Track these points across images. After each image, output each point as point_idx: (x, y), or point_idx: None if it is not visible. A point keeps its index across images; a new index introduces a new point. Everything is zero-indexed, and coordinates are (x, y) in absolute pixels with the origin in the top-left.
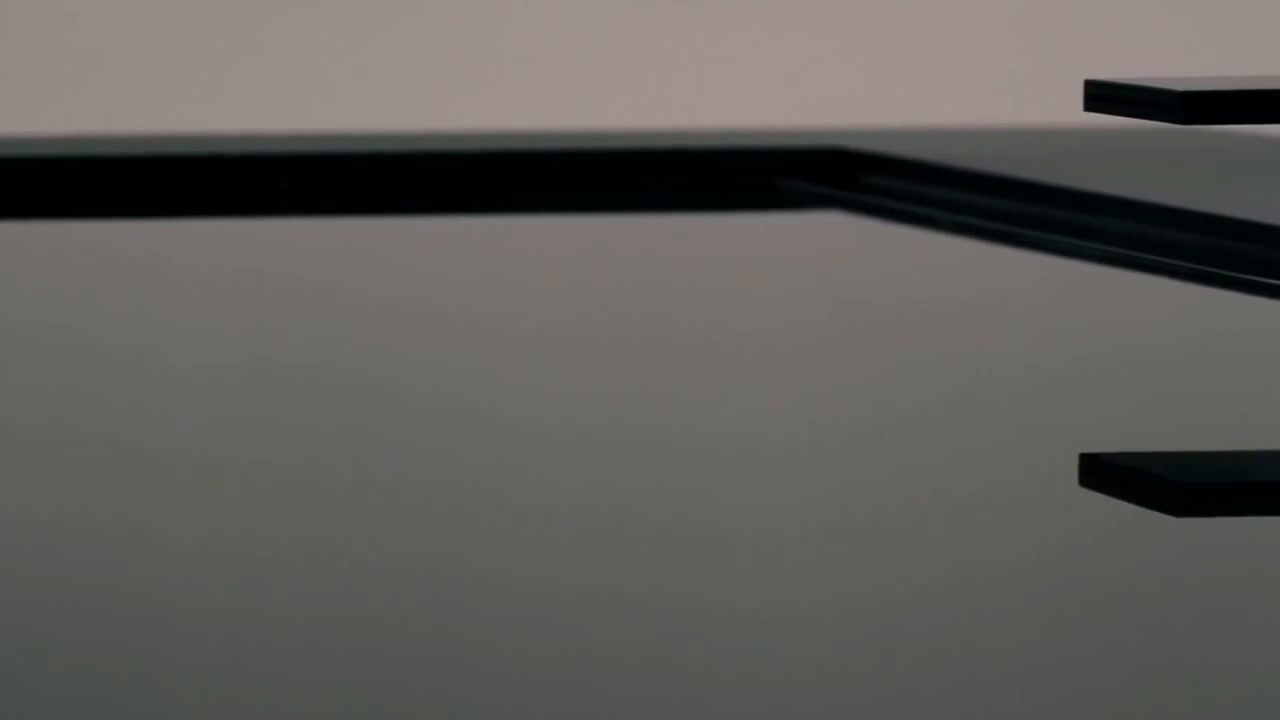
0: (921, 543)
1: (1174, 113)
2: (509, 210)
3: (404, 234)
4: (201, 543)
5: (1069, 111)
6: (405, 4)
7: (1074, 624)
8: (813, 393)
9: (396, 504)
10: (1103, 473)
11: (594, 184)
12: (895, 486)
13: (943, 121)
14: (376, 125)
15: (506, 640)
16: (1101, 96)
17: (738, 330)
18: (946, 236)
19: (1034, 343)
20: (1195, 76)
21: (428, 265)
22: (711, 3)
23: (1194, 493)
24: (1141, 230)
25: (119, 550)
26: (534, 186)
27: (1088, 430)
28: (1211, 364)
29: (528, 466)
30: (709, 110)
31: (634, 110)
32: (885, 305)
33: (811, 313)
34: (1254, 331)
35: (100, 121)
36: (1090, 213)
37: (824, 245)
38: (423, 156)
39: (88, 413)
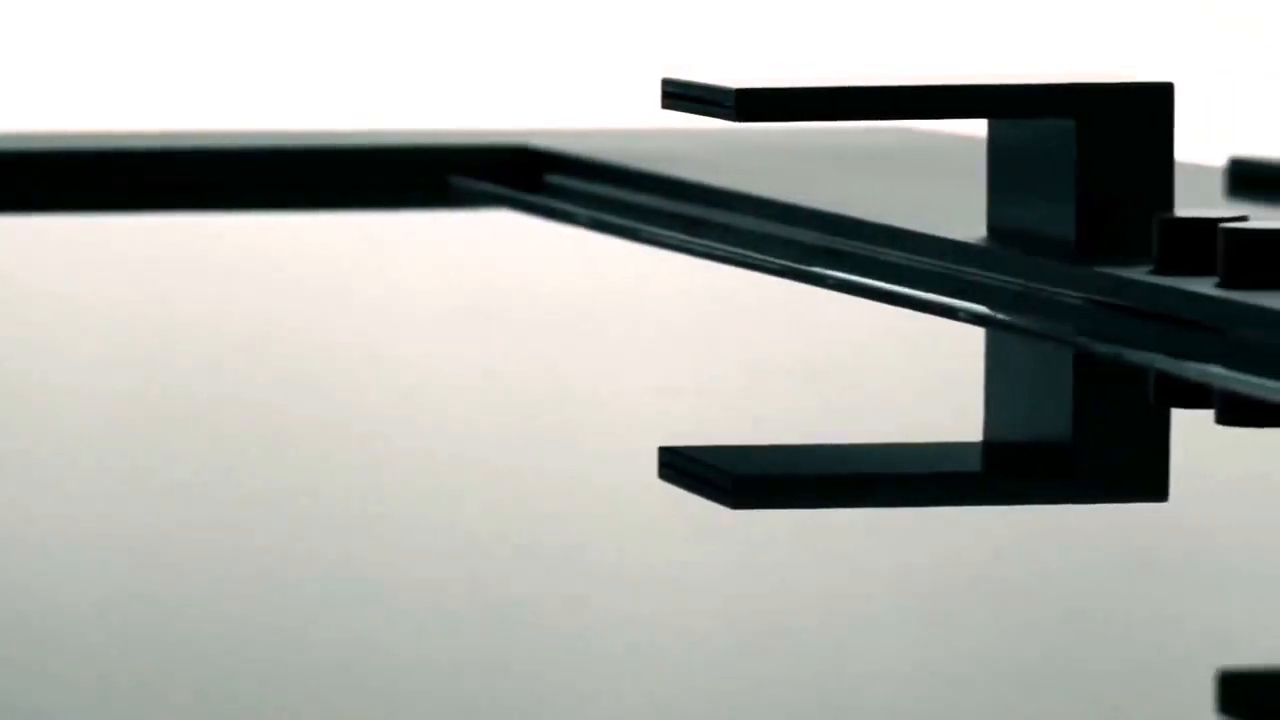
0: (511, 530)
1: (729, 110)
2: (177, 208)
3: (61, 231)
4: None
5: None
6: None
7: (658, 613)
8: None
9: None
10: (677, 465)
11: (280, 182)
12: (481, 482)
13: (641, 123)
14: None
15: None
16: (674, 94)
17: (332, 325)
18: (594, 234)
19: (635, 338)
20: (777, 75)
21: (78, 264)
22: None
23: (748, 485)
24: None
25: None
26: (205, 185)
27: (678, 422)
28: (805, 358)
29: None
30: (396, 110)
31: (322, 110)
32: (501, 300)
33: (414, 307)
34: (847, 325)
35: None
36: (737, 211)
37: (473, 243)
38: (75, 154)
39: None
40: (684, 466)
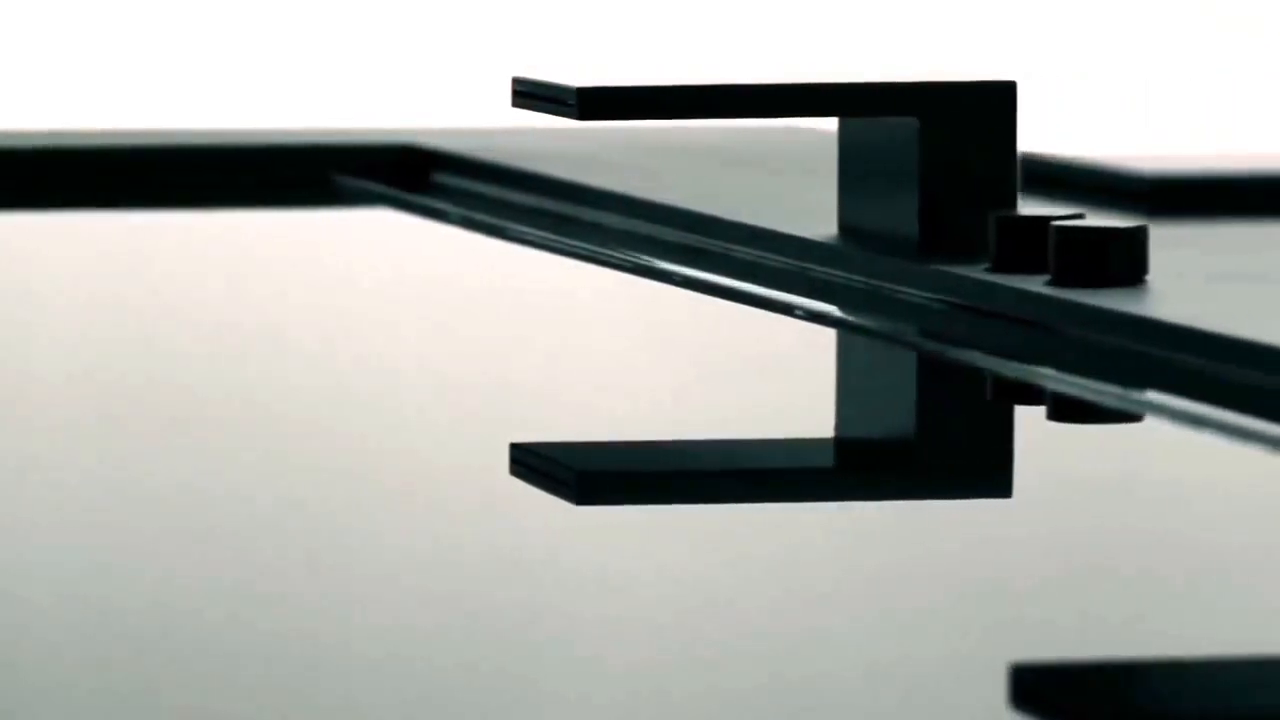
0: (363, 530)
1: (572, 108)
2: (68, 206)
3: None
4: None
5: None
6: None
7: (489, 606)
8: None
9: None
10: (527, 462)
11: (164, 180)
12: (338, 479)
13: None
14: None
15: None
16: (522, 93)
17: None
18: (470, 232)
19: (495, 337)
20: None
21: None
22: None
23: (593, 482)
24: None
25: None
26: (88, 184)
27: (534, 419)
28: (663, 355)
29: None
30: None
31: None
32: (368, 298)
33: (284, 305)
34: (706, 323)
35: None
36: (605, 209)
37: (348, 241)
38: None
39: None
40: (533, 463)
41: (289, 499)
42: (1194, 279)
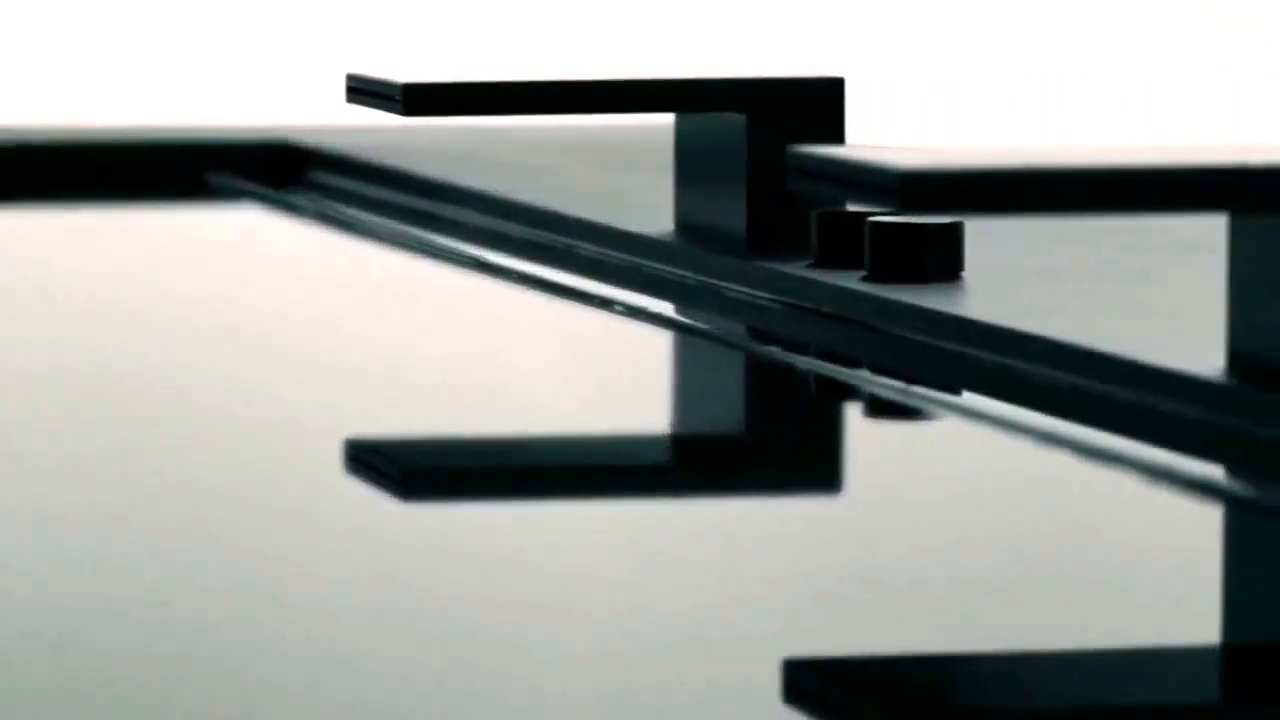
0: (192, 520)
1: (399, 104)
2: None
3: None
4: None
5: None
6: None
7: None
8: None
9: None
10: (362, 458)
11: (38, 176)
12: (168, 473)
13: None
14: None
15: None
16: (354, 89)
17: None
18: (335, 230)
19: (342, 334)
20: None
21: None
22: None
23: (418, 478)
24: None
25: None
26: None
27: (377, 415)
28: (509, 353)
29: None
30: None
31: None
32: (223, 294)
33: (140, 304)
34: (547, 319)
35: None
36: (464, 206)
37: (215, 239)
38: None
39: None
40: (368, 459)
41: (110, 493)
42: (1010, 275)
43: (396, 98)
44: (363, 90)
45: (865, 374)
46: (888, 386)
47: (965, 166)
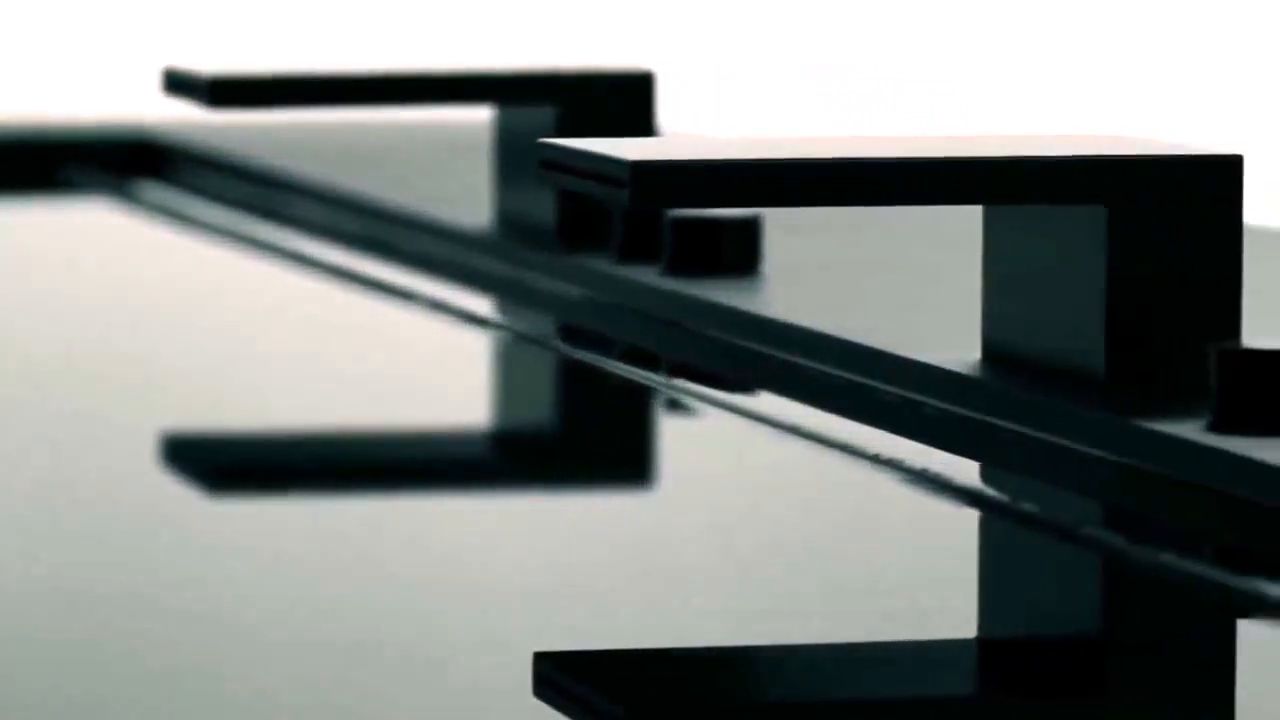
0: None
1: (205, 96)
2: None
3: None
4: None
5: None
6: None
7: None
8: None
9: None
10: (180, 453)
11: None
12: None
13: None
14: None
15: None
16: (170, 83)
17: None
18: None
19: (164, 329)
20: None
21: None
22: None
23: (232, 473)
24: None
25: None
26: None
27: (184, 410)
28: (319, 347)
29: None
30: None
31: None
32: (58, 288)
33: None
34: (363, 313)
35: None
36: (306, 199)
37: (62, 233)
38: None
39: None
40: (185, 453)
41: None
42: (806, 268)
43: (203, 91)
44: (175, 84)
45: (631, 366)
46: (650, 379)
47: (698, 158)
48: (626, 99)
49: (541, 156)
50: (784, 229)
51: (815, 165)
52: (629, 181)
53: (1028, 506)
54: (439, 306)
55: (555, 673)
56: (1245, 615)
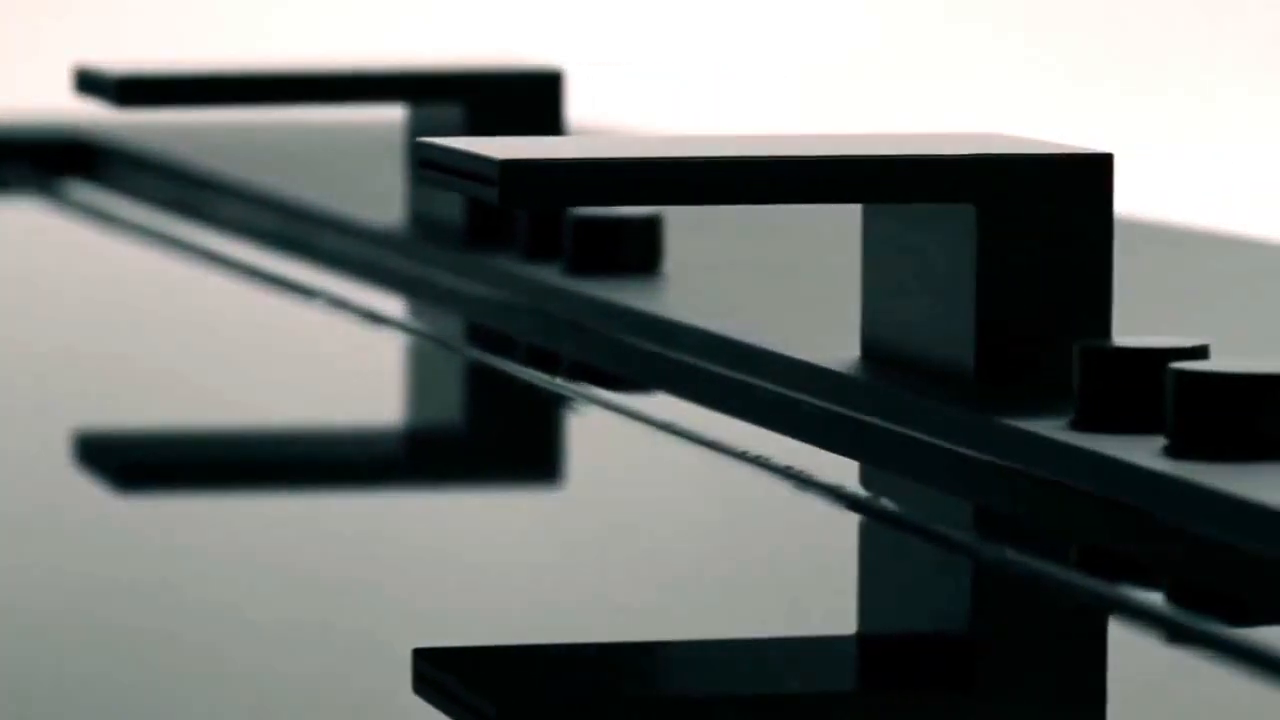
0: None
1: (113, 95)
2: None
3: None
4: None
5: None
6: None
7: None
8: None
9: None
10: (91, 451)
11: None
12: None
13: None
14: None
15: None
16: (81, 82)
17: None
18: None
19: (77, 329)
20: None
21: None
22: None
23: (136, 472)
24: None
25: None
26: None
27: (93, 408)
28: (231, 347)
29: None
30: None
31: None
32: None
33: None
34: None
35: None
36: (230, 198)
37: None
38: None
39: None
40: (97, 451)
41: None
42: (706, 268)
43: (112, 90)
44: (85, 83)
45: (546, 378)
46: (546, 380)
47: (566, 157)
48: (536, 97)
49: (419, 155)
50: (687, 229)
51: (684, 164)
52: (498, 180)
53: (895, 505)
54: (342, 305)
55: (434, 670)
56: (1103, 614)
